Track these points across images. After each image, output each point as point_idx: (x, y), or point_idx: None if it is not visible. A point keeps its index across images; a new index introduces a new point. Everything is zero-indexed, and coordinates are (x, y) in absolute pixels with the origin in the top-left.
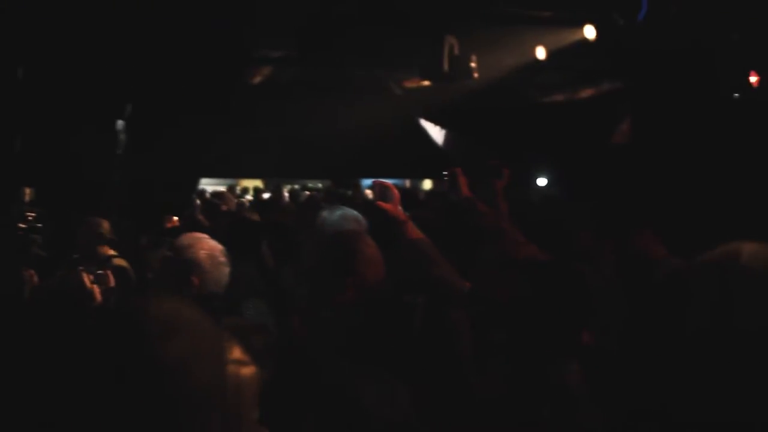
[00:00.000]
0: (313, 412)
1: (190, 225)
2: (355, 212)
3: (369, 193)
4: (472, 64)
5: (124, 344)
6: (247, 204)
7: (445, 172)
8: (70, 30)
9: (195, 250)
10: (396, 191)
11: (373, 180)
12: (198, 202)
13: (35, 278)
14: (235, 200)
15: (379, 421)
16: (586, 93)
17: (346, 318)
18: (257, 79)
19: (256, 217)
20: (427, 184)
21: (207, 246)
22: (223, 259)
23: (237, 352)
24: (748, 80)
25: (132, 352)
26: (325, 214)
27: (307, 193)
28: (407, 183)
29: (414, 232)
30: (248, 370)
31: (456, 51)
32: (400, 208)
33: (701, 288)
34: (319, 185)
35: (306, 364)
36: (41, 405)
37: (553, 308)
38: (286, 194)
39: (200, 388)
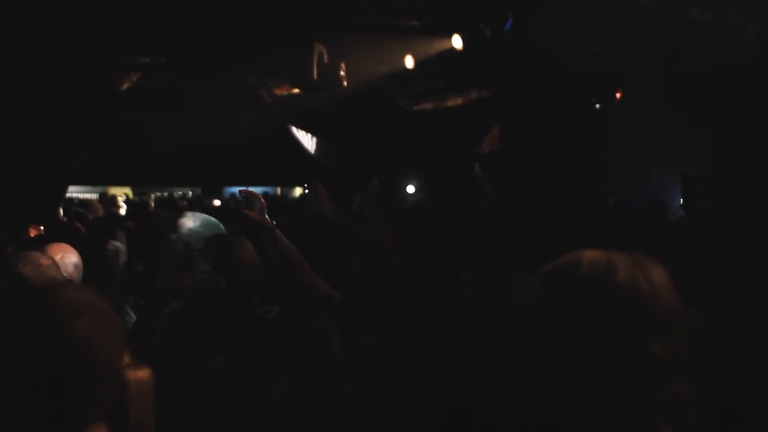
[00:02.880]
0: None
1: (59, 234)
2: (215, 219)
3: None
4: (342, 72)
5: (34, 323)
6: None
7: (306, 185)
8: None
9: (24, 265)
10: (262, 199)
11: (240, 189)
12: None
13: None
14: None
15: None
16: (454, 101)
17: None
18: (125, 86)
19: (130, 225)
20: (297, 191)
21: (38, 261)
22: (53, 271)
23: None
24: (614, 93)
25: (41, 330)
26: (186, 221)
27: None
28: (278, 190)
29: (280, 239)
30: (142, 373)
31: (325, 59)
32: (266, 216)
33: (545, 298)
34: (189, 193)
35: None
36: None
37: (420, 318)
38: (152, 202)
39: (102, 364)
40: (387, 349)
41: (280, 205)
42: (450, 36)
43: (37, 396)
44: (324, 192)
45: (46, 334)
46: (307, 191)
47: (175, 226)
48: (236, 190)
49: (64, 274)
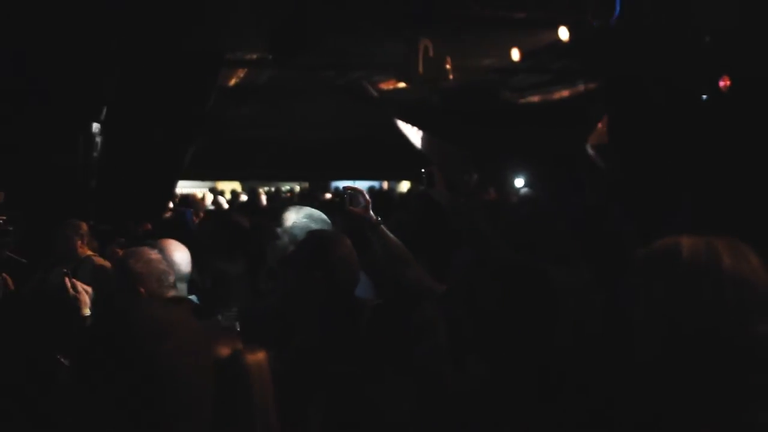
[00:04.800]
0: (320, 407)
1: (170, 228)
2: (321, 213)
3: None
4: (447, 66)
5: (118, 345)
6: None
7: (423, 170)
8: (45, 32)
9: (135, 261)
10: (366, 195)
11: (344, 185)
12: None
13: (9, 281)
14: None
15: (385, 416)
16: (561, 94)
17: (316, 316)
18: (233, 82)
19: (244, 220)
20: (403, 186)
21: (148, 257)
22: (162, 266)
23: (234, 343)
24: (718, 83)
25: (125, 353)
26: (291, 214)
27: (290, 195)
28: (384, 185)
29: (386, 235)
30: (260, 355)
31: (431, 53)
32: (371, 211)
33: (645, 283)
34: (297, 187)
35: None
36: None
37: (520, 311)
38: (263, 196)
39: (189, 387)
40: (484, 343)
41: (386, 200)
42: (556, 28)
43: (128, 420)
44: (441, 178)
45: (131, 357)
46: (423, 176)
47: (280, 220)
48: (343, 184)
49: (174, 270)
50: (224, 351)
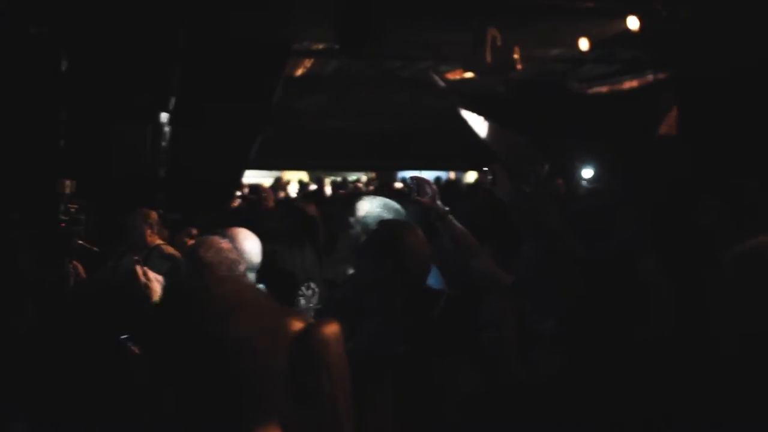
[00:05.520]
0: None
1: (236, 217)
2: (394, 203)
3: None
4: (515, 56)
5: (188, 323)
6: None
7: (486, 168)
8: (113, 21)
9: (206, 250)
10: (433, 185)
11: (411, 176)
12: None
13: (81, 270)
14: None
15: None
16: (630, 84)
17: (387, 305)
18: (299, 72)
19: (312, 208)
20: (470, 176)
21: (219, 246)
22: (233, 255)
23: (306, 318)
24: None
25: (195, 331)
26: (365, 204)
27: (359, 184)
28: (451, 175)
29: (453, 225)
30: (333, 327)
31: (499, 43)
32: (439, 201)
33: (738, 281)
34: (363, 177)
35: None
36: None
37: (603, 305)
38: (328, 187)
39: (261, 365)
40: (560, 336)
41: (453, 190)
42: (625, 17)
43: (201, 397)
44: (503, 176)
45: (202, 334)
46: (485, 175)
47: (353, 209)
48: (410, 174)
49: (244, 259)
50: (298, 325)
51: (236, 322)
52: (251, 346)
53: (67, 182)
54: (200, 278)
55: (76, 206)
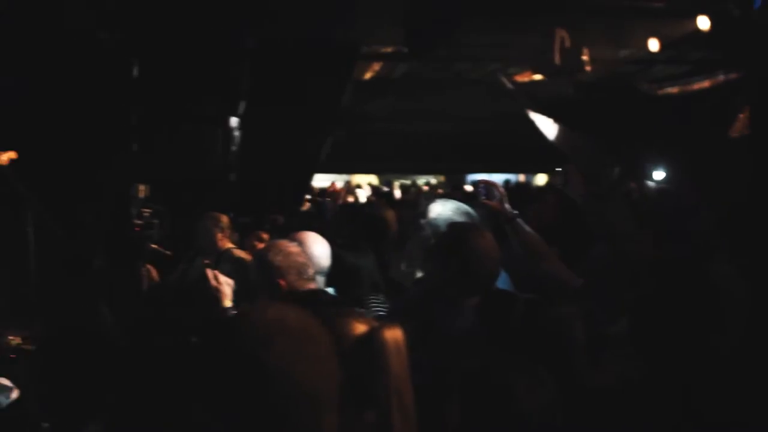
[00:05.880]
0: (457, 397)
1: (305, 221)
2: (466, 206)
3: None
4: (584, 57)
5: (230, 349)
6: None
7: (560, 169)
8: (183, 26)
9: (275, 254)
10: (501, 188)
11: (479, 179)
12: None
13: (154, 273)
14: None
15: (525, 408)
16: (701, 85)
17: (454, 307)
18: (368, 75)
19: (380, 212)
20: (540, 179)
21: (288, 250)
22: (302, 259)
23: (370, 321)
24: None
25: (237, 357)
26: (436, 206)
27: (425, 188)
28: (521, 178)
29: (522, 228)
30: (395, 331)
31: (567, 44)
32: (507, 204)
33: None
34: (432, 180)
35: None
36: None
37: (676, 308)
38: (398, 190)
39: (304, 392)
40: (631, 339)
41: (522, 193)
42: (696, 17)
43: (244, 423)
44: (577, 177)
45: (244, 359)
46: (559, 175)
47: (424, 212)
48: (479, 177)
49: (313, 263)
50: (361, 328)
51: (277, 349)
52: (291, 374)
53: (141, 187)
54: (258, 291)
55: (149, 211)
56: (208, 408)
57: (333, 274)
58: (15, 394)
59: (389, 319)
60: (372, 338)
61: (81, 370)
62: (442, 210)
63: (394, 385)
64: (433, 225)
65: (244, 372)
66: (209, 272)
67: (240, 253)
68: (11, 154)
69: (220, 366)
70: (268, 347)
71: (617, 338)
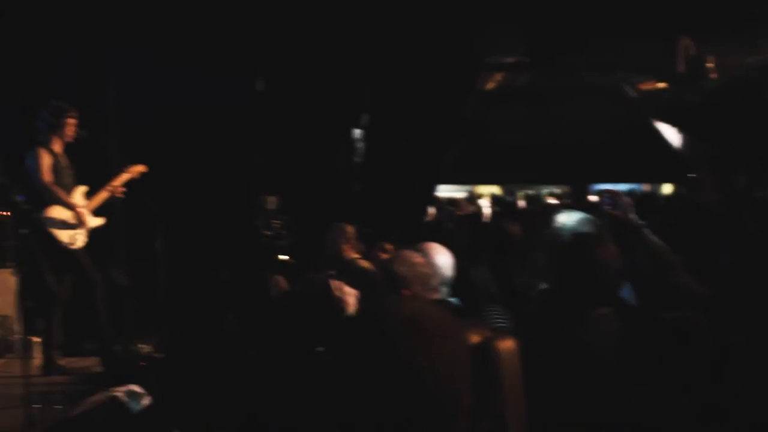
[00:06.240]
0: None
1: (430, 232)
2: (591, 217)
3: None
4: (709, 65)
5: (368, 344)
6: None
7: (692, 175)
8: (307, 42)
9: (400, 264)
10: (626, 198)
11: (603, 189)
12: (432, 209)
13: (283, 283)
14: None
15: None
16: None
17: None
18: (490, 86)
19: (511, 223)
20: (666, 188)
21: (413, 260)
22: (427, 270)
23: (484, 331)
24: None
25: (374, 352)
26: (561, 217)
27: (550, 198)
28: (646, 187)
29: (649, 239)
30: (508, 343)
31: (691, 52)
32: (632, 214)
33: None
34: (557, 191)
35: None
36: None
37: None
38: (521, 201)
39: (436, 389)
40: (754, 348)
41: (649, 203)
42: None
43: (376, 415)
44: (709, 184)
45: (380, 355)
46: (690, 182)
47: (548, 223)
48: (603, 187)
49: (437, 273)
50: (475, 338)
51: (412, 346)
52: (428, 368)
53: (271, 198)
54: (382, 298)
55: (279, 222)
56: (341, 410)
57: (459, 284)
58: (146, 401)
59: (509, 331)
60: (486, 349)
61: (209, 377)
62: (566, 220)
63: (507, 395)
64: (557, 235)
65: (377, 367)
66: (334, 282)
67: (365, 264)
68: (141, 168)
69: (353, 363)
70: (404, 342)
71: (741, 348)
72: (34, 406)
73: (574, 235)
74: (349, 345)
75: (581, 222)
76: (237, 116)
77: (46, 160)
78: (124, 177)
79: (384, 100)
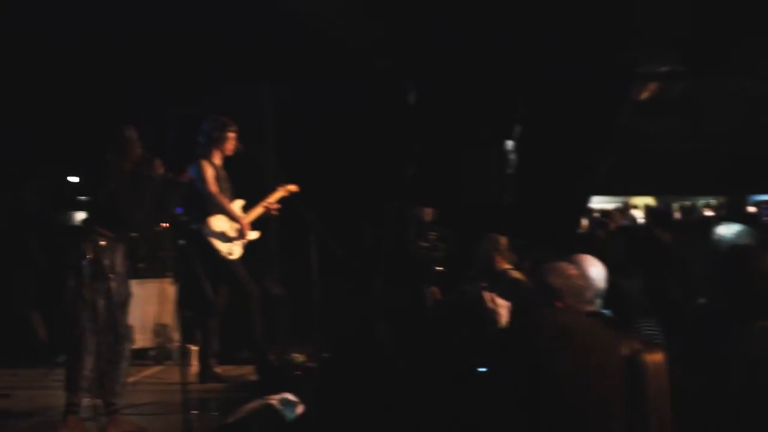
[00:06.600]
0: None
1: (583, 244)
2: (751, 229)
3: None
4: None
5: (522, 356)
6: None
7: None
8: (460, 54)
9: (553, 276)
10: None
11: (761, 200)
12: (585, 221)
13: (438, 294)
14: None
15: None
16: None
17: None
18: (644, 96)
19: (666, 235)
20: None
21: (566, 272)
22: (581, 282)
23: (634, 344)
24: None
25: (525, 364)
26: (720, 229)
27: (706, 210)
28: None
29: None
30: (657, 356)
31: None
32: None
33: None
34: (712, 201)
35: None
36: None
37: None
38: (677, 212)
39: (592, 399)
40: None
41: None
42: None
43: (530, 426)
44: None
45: (532, 366)
46: None
47: (706, 235)
48: (762, 198)
49: (591, 286)
50: (624, 350)
51: (565, 358)
52: (579, 380)
53: (427, 210)
54: (536, 310)
55: (435, 234)
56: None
57: (612, 297)
58: (300, 409)
59: (660, 344)
60: (634, 362)
61: (362, 387)
62: (724, 232)
63: (652, 407)
64: (716, 248)
65: (531, 379)
66: (486, 294)
67: (517, 275)
68: (293, 187)
69: (509, 373)
70: (555, 354)
71: None
72: (191, 412)
73: (733, 248)
74: (503, 357)
75: (740, 234)
76: (391, 129)
77: (209, 172)
78: (278, 194)
79: (537, 111)
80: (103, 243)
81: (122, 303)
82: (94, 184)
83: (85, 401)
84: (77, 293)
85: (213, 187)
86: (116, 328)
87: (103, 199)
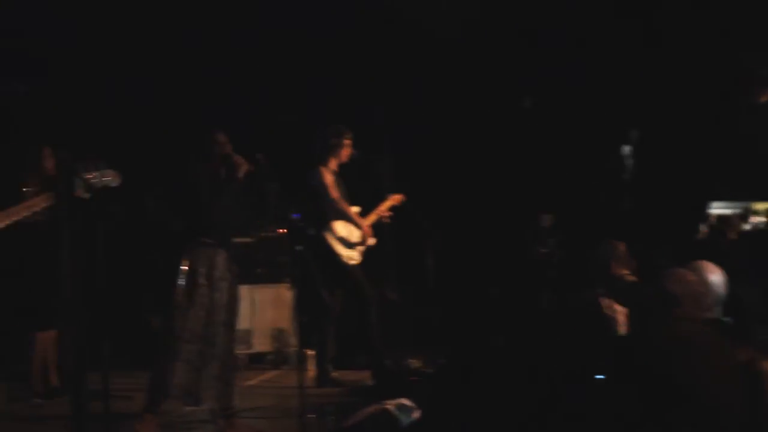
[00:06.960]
0: None
1: (702, 250)
2: None
3: None
4: None
5: (641, 363)
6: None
7: None
8: (576, 57)
9: (673, 282)
10: None
11: None
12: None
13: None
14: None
15: None
16: None
17: None
18: (765, 99)
19: None
20: None
21: (686, 279)
22: (700, 288)
23: (751, 351)
24: None
25: (649, 373)
26: None
27: None
28: None
29: None
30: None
31: None
32: None
33: None
34: None
35: None
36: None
37: None
38: None
39: (712, 406)
40: None
41: None
42: None
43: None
44: None
45: (654, 373)
46: None
47: None
48: None
49: (710, 292)
50: (742, 357)
51: (685, 365)
52: (698, 390)
53: (546, 216)
54: (655, 318)
55: (554, 240)
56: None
57: (732, 304)
58: (416, 415)
59: None
60: (749, 368)
61: (477, 393)
62: None
63: None
64: None
65: (657, 386)
66: (604, 301)
67: (635, 281)
68: (401, 197)
69: (633, 381)
70: (676, 362)
71: None
72: (308, 416)
73: None
74: (626, 365)
75: None
76: (504, 135)
77: (329, 178)
78: (389, 203)
79: (654, 115)
80: (199, 250)
81: (221, 309)
82: (186, 190)
83: (205, 406)
84: (172, 301)
85: (334, 193)
86: (212, 337)
87: (197, 205)
